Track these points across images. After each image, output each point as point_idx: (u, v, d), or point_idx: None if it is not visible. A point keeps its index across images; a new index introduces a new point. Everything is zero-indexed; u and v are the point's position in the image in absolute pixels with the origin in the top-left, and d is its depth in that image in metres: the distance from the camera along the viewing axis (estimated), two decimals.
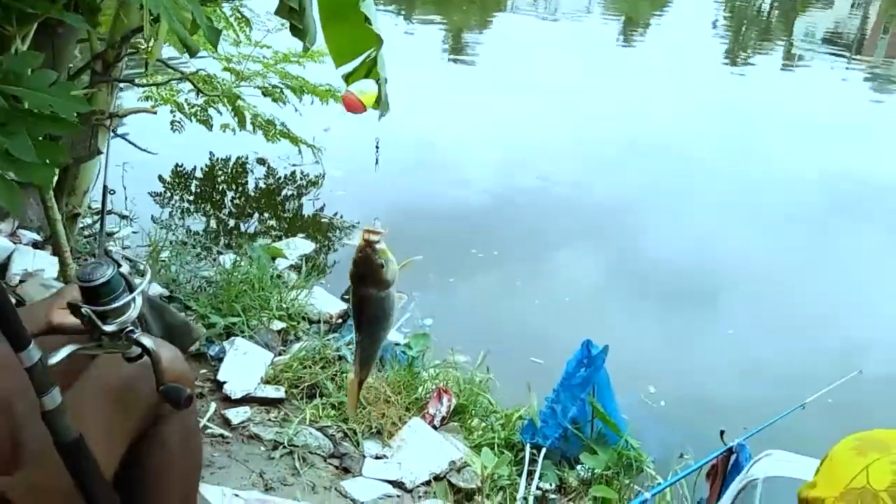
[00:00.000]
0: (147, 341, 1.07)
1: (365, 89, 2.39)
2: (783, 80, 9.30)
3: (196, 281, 3.07)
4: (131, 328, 1.07)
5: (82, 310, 1.03)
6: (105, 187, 2.66)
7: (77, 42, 2.89)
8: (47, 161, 1.60)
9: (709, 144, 6.15)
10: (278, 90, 4.14)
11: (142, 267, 1.16)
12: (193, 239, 3.70)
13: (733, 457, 1.91)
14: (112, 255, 1.08)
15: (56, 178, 2.67)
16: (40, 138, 1.53)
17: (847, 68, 10.38)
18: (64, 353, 1.02)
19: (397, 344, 2.87)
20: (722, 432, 1.94)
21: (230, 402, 2.35)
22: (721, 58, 10.15)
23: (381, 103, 3.20)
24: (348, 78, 3.16)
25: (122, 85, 3.00)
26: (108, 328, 1.04)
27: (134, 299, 1.08)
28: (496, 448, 2.30)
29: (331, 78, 4.04)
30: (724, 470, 1.95)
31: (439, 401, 2.46)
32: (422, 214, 4.41)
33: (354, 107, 2.46)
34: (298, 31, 2.74)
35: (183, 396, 1.07)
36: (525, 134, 5.94)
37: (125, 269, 1.08)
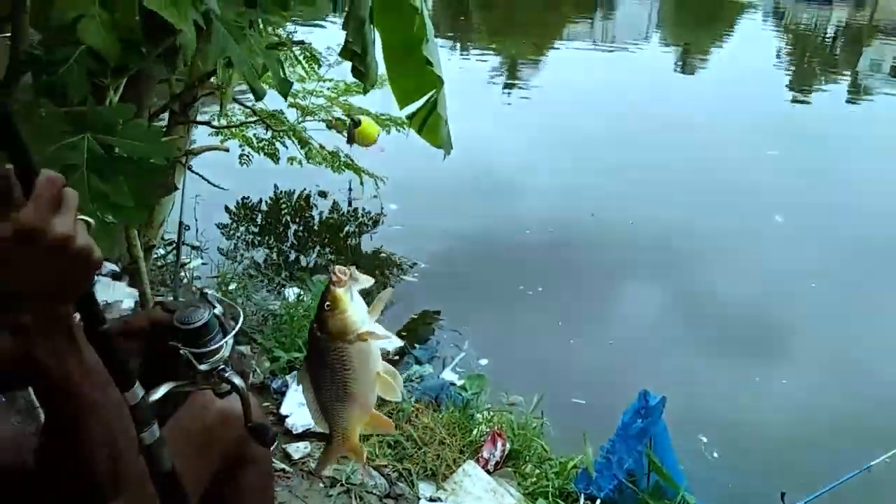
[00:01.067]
0: (238, 381, 1.13)
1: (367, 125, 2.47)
2: (849, 112, 9.06)
3: (261, 313, 3.19)
4: (223, 367, 1.12)
5: (181, 352, 1.09)
6: (181, 222, 2.79)
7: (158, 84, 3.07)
8: (141, 203, 1.72)
9: (773, 177, 6.01)
10: (342, 122, 4.28)
11: (236, 311, 1.23)
12: (258, 271, 3.83)
13: None
14: (208, 298, 1.15)
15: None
16: (134, 182, 1.64)
17: None
18: (162, 390, 1.09)
19: (452, 384, 2.91)
20: (783, 495, 1.90)
21: (291, 436, 2.43)
22: (784, 87, 9.95)
23: (444, 143, 3.28)
24: (412, 118, 3.26)
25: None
26: (203, 367, 1.10)
27: (227, 341, 1.14)
28: (550, 497, 2.31)
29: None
30: None
31: (494, 445, 2.48)
32: (476, 247, 4.47)
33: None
34: (360, 73, 2.85)
35: (269, 435, 1.14)
36: (581, 164, 5.94)
37: (219, 310, 1.15)
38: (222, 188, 3.20)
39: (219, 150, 3.18)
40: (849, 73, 11.40)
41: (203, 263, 3.69)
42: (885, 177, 6.14)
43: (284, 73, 3.27)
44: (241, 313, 1.30)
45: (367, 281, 1.07)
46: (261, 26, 2.72)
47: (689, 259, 4.59)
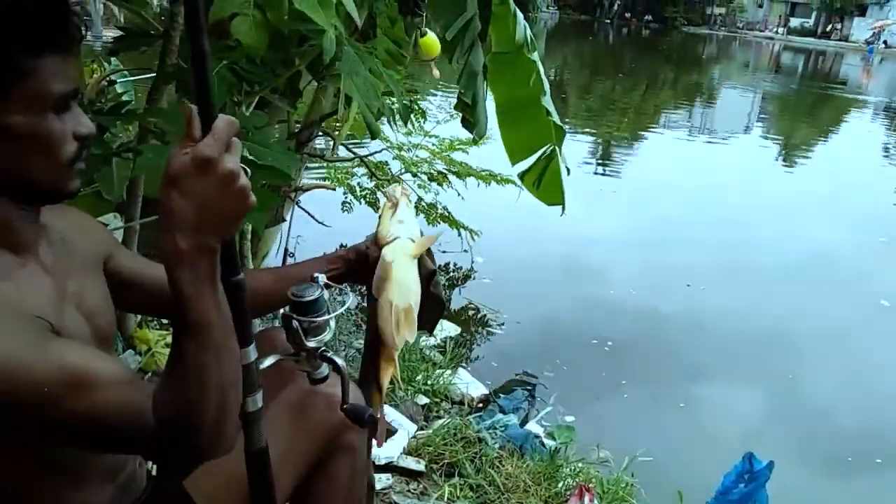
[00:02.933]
0: (340, 361, 1.15)
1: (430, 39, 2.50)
2: None
3: (349, 350, 3.22)
4: (325, 348, 1.16)
5: (293, 321, 1.12)
6: (286, 250, 2.90)
7: (277, 122, 3.27)
8: (264, 207, 1.80)
9: (880, 276, 5.67)
10: (443, 176, 4.40)
11: (345, 294, 1.26)
12: (350, 311, 3.90)
13: None
14: (317, 280, 1.19)
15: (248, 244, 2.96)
16: (259, 186, 1.72)
17: None
18: (271, 360, 1.13)
19: (536, 436, 2.81)
20: None
21: (374, 467, 2.39)
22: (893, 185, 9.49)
23: (560, 198, 3.26)
24: (525, 175, 3.27)
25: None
26: (310, 344, 1.13)
27: (330, 322, 1.17)
28: None
29: (492, 161, 4.23)
30: None
31: (580, 499, 2.35)
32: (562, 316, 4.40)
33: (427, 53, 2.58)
34: (469, 123, 2.93)
35: (366, 414, 1.13)
36: (673, 252, 5.78)
37: (326, 294, 1.18)
38: (325, 224, 3.30)
39: (327, 188, 3.31)
40: None
41: None
42: None
43: (395, 119, 3.43)
44: (351, 297, 1.36)
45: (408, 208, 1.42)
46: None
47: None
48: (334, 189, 3.39)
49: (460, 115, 2.85)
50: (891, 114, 16.77)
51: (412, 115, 4.03)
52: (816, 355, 4.27)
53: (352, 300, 1.28)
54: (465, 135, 4.37)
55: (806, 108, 17.68)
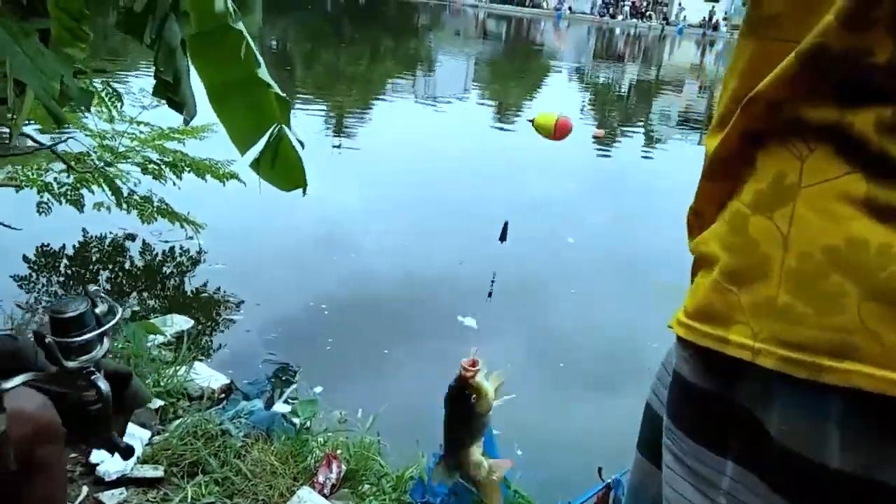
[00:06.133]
0: (104, 386, 1.06)
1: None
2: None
3: None
4: (92, 369, 1.05)
5: (46, 339, 1.01)
6: None
7: None
8: None
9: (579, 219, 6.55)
10: (156, 168, 4.08)
11: (114, 307, 1.13)
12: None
13: (612, 493, 2.01)
14: (90, 293, 1.08)
15: None
16: None
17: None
18: (18, 380, 1.00)
19: (284, 416, 2.81)
20: (599, 469, 2.03)
21: (104, 484, 2.21)
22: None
23: (299, 181, 3.08)
24: (257, 162, 3.04)
25: None
26: (71, 364, 1.02)
27: (101, 340, 1.06)
28: None
29: (216, 152, 4.04)
30: None
31: (329, 468, 2.42)
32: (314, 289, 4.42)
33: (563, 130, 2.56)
34: (176, 104, 2.72)
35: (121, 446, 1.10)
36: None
37: (101, 309, 1.07)
38: (14, 228, 2.90)
39: (13, 185, 2.90)
40: None
41: None
42: None
43: (88, 105, 3.08)
44: (119, 310, 1.19)
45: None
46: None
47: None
48: (19, 186, 2.97)
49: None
50: (581, 75, 19.25)
51: (106, 99, 3.67)
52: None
53: (120, 312, 1.14)
54: (178, 122, 4.12)
55: (514, 71, 19.51)
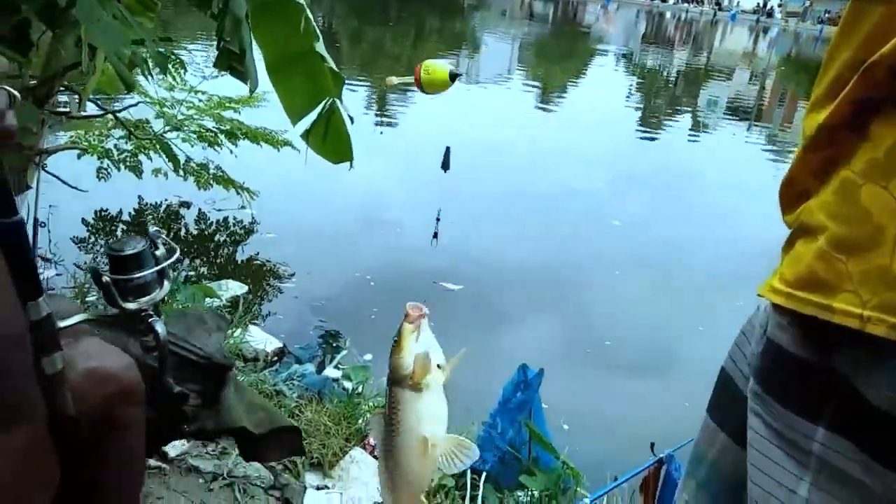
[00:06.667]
0: (161, 329, 1.01)
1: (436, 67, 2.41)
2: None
3: None
4: (150, 312, 1.01)
5: (104, 278, 0.97)
6: (36, 220, 2.60)
7: (7, 78, 2.86)
8: None
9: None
10: (212, 134, 4.15)
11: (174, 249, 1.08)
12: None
13: (664, 468, 2.01)
14: (151, 235, 1.05)
15: None
16: None
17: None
18: (76, 319, 0.95)
19: (335, 380, 2.87)
20: (652, 444, 2.03)
21: None
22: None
23: (346, 154, 3.12)
24: (308, 134, 3.10)
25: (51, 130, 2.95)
26: (129, 305, 0.99)
27: (161, 282, 1.02)
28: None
29: (268, 121, 4.10)
30: (655, 482, 2.04)
31: None
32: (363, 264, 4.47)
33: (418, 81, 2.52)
34: (239, 73, 2.76)
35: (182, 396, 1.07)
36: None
37: (161, 251, 1.04)
38: (81, 189, 3.00)
39: (77, 148, 2.99)
40: None
41: (57, 275, 3.42)
42: None
43: (149, 70, 3.14)
44: (178, 250, 1.14)
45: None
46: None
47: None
48: (86, 150, 3.06)
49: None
50: (628, 60, 18.93)
51: (171, 67, 3.73)
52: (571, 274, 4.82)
53: (178, 255, 1.09)
54: (235, 93, 4.19)
55: (561, 53, 19.26)
